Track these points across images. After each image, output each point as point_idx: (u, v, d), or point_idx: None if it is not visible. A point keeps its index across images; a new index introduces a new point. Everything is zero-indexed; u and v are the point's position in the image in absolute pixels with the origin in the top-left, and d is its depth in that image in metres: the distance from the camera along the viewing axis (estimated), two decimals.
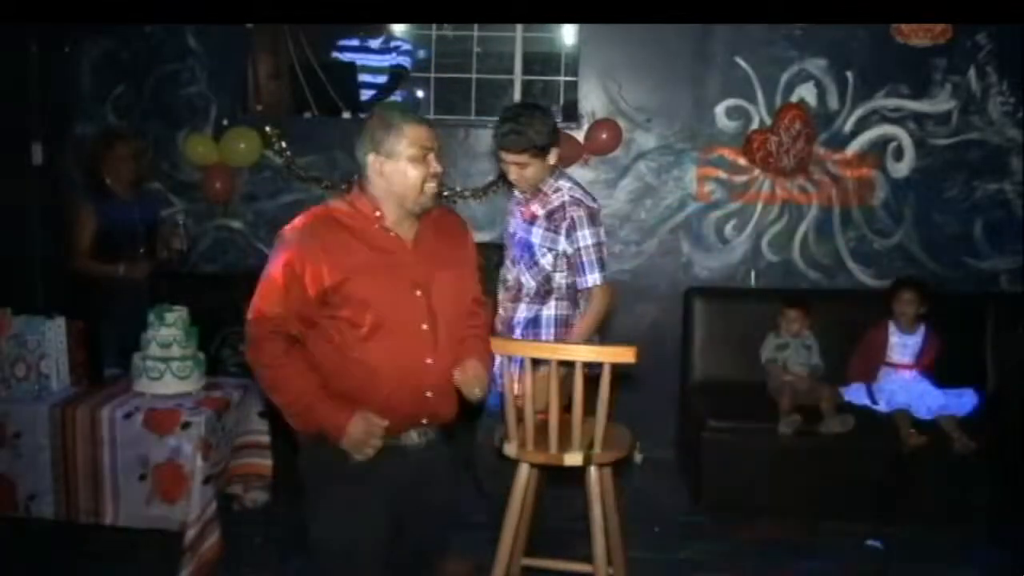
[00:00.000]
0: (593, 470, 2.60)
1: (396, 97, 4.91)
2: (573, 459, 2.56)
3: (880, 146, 4.29)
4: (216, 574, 2.98)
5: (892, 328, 3.94)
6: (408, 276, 2.11)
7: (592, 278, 2.91)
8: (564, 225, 2.87)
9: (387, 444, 2.11)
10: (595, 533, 2.62)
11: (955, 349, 3.99)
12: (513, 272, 3.01)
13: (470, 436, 3.03)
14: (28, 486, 2.96)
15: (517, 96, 5.03)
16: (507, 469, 2.66)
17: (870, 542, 3.57)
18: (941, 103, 4.25)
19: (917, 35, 4.18)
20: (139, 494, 2.92)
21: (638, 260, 4.41)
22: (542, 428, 2.57)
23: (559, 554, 2.91)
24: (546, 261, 2.91)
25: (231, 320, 3.98)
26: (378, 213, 2.13)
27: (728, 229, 4.38)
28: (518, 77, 4.95)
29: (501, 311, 3.03)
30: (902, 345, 3.92)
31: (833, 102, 4.28)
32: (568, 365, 2.57)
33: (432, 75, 5.35)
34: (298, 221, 2.13)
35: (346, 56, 4.80)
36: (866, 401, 3.86)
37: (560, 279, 2.94)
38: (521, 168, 2.84)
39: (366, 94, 4.77)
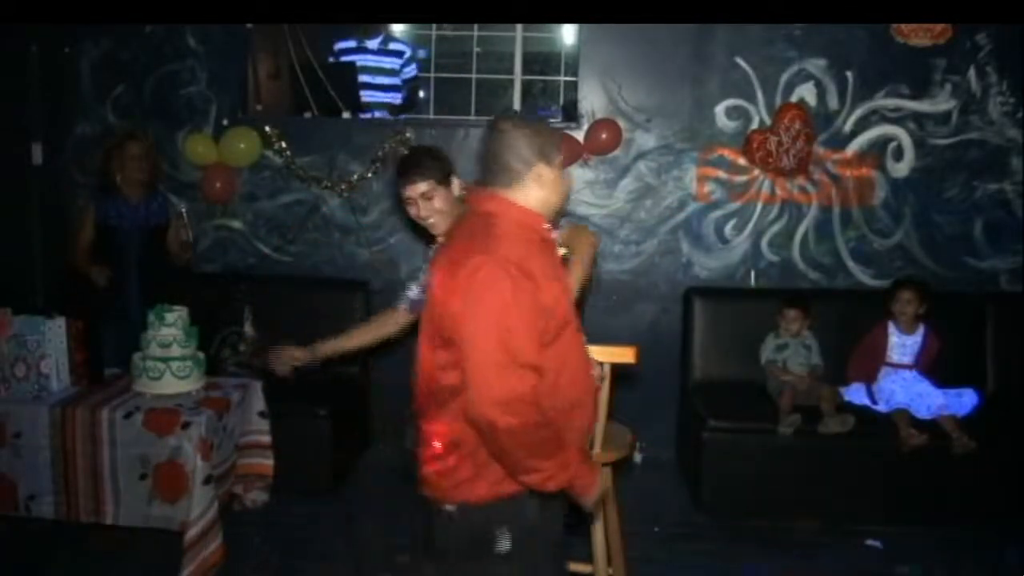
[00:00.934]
0: None
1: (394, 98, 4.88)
2: None
3: (880, 146, 4.30)
4: (215, 574, 2.98)
5: (892, 328, 3.94)
6: None
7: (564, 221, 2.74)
8: None
9: None
10: (595, 533, 2.62)
11: (955, 349, 3.99)
12: None
13: None
14: (28, 486, 2.96)
15: (517, 96, 5.03)
16: None
17: (870, 542, 3.57)
18: (941, 103, 4.25)
19: (917, 35, 4.18)
20: (139, 494, 2.92)
21: (638, 260, 4.42)
22: None
23: None
24: None
25: (231, 320, 4.00)
26: (547, 225, 1.95)
27: (728, 229, 4.38)
28: (518, 77, 4.95)
29: None
30: (902, 345, 3.92)
31: (833, 102, 4.28)
32: None
33: (432, 75, 5.35)
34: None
35: (349, 57, 4.79)
36: (866, 401, 3.86)
37: None
38: (428, 200, 2.68)
39: (369, 95, 4.76)
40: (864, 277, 4.36)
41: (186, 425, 2.91)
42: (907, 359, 3.91)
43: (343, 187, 4.41)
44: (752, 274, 4.39)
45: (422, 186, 2.70)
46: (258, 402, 3.38)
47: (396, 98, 4.88)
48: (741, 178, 4.34)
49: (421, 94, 5.34)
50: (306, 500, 3.73)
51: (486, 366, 1.75)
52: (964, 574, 3.40)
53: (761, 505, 3.76)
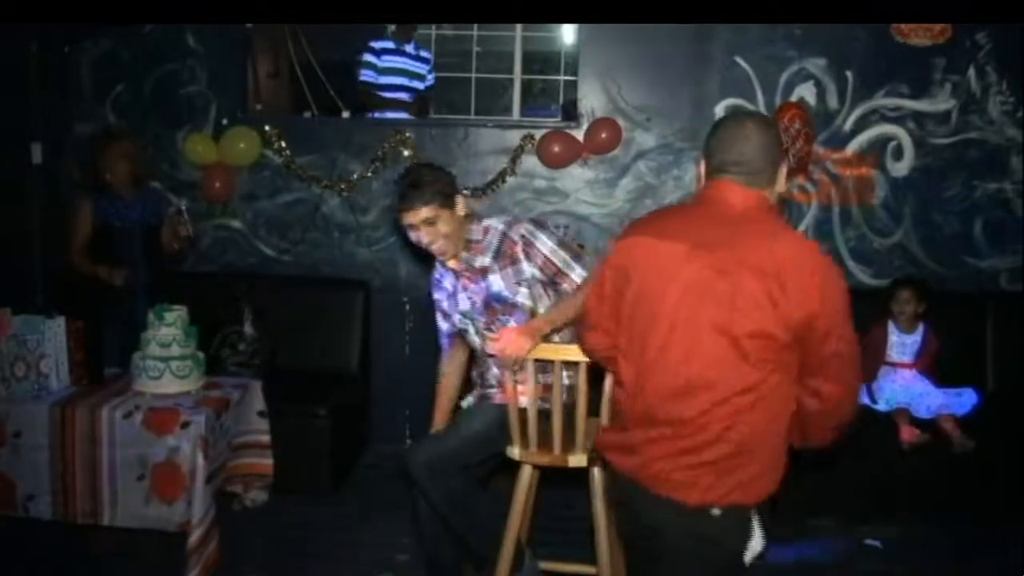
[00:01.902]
0: (596, 470, 2.60)
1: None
2: (578, 460, 2.56)
3: (880, 145, 4.30)
4: (215, 574, 2.98)
5: (891, 327, 3.94)
6: None
7: (577, 273, 2.64)
8: (518, 249, 2.64)
9: None
10: (599, 533, 2.62)
11: (955, 349, 3.99)
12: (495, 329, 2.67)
13: None
14: (27, 486, 2.96)
15: (517, 96, 5.04)
16: None
17: (870, 542, 3.57)
18: (941, 103, 4.25)
19: (917, 35, 4.18)
20: (137, 494, 2.92)
21: None
22: (545, 429, 2.56)
23: (546, 555, 2.90)
24: (523, 297, 2.66)
25: (231, 320, 4.00)
26: None
27: None
28: (518, 77, 4.97)
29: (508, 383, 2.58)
30: (901, 344, 3.92)
31: (833, 101, 4.28)
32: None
33: (432, 75, 5.36)
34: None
35: (389, 57, 4.74)
36: (865, 400, 3.86)
37: (543, 306, 2.67)
38: (432, 226, 2.55)
39: (392, 95, 4.75)
40: (864, 277, 4.36)
41: (185, 425, 2.91)
42: (907, 358, 3.91)
43: (343, 187, 4.41)
44: None
45: (424, 212, 2.54)
46: (257, 402, 3.38)
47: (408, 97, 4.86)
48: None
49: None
50: (306, 500, 3.73)
51: (854, 357, 1.86)
52: (964, 574, 3.40)
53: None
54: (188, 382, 3.13)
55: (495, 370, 2.76)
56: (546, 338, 2.55)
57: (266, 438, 3.38)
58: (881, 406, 3.81)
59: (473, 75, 5.31)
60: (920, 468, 3.64)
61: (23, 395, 3.03)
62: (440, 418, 2.93)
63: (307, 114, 4.68)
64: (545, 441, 2.57)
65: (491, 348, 2.54)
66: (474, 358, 2.90)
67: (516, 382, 2.53)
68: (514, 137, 4.35)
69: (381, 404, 4.48)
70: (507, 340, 2.48)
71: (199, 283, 4.33)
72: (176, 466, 2.90)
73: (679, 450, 1.84)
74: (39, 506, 2.96)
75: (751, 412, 1.82)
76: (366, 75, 4.75)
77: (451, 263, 2.72)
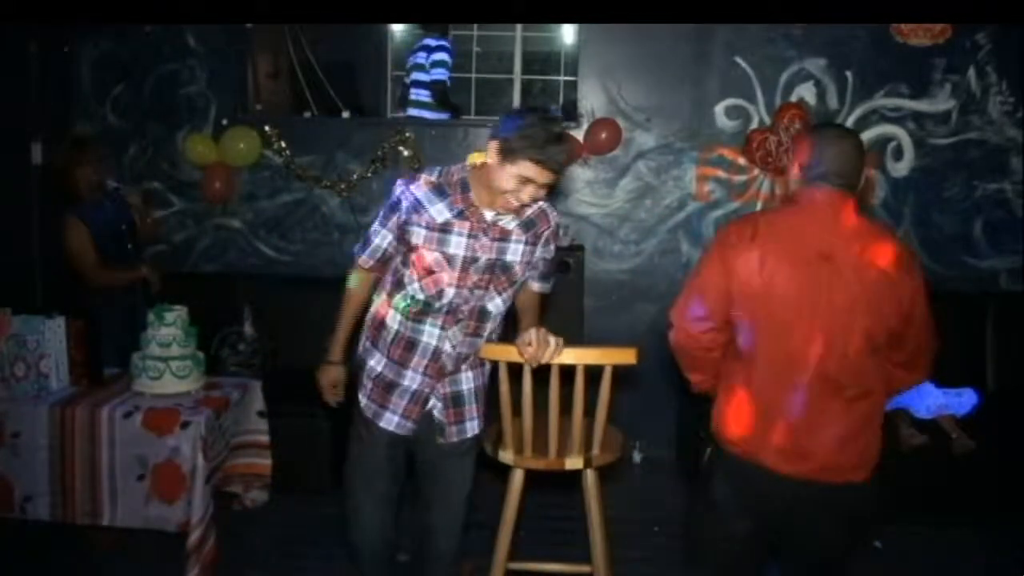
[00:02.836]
0: (590, 473, 2.60)
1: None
2: (574, 463, 2.55)
3: (880, 146, 4.30)
4: (215, 574, 2.98)
5: None
6: None
7: (548, 286, 2.64)
8: (546, 232, 2.51)
9: None
10: (594, 535, 2.62)
11: (955, 349, 3.98)
12: (471, 300, 2.46)
13: None
14: (25, 487, 2.95)
15: (517, 96, 5.04)
16: None
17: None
18: (941, 103, 4.25)
19: (917, 35, 4.18)
20: (137, 494, 2.92)
21: (638, 260, 4.42)
22: (540, 433, 2.55)
23: (539, 555, 2.91)
24: (521, 276, 2.51)
25: (231, 320, 4.00)
26: None
27: None
28: (518, 77, 4.97)
29: (450, 348, 2.50)
30: None
31: (833, 102, 4.28)
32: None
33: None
34: None
35: (439, 55, 4.73)
36: None
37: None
38: (542, 190, 2.33)
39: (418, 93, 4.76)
40: None
41: (185, 425, 2.91)
42: None
43: (343, 187, 4.41)
44: None
45: (552, 179, 2.33)
46: (257, 402, 3.38)
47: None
48: (741, 178, 4.34)
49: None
50: (306, 500, 3.73)
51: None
52: (964, 574, 3.40)
53: None
54: (188, 382, 3.13)
55: (468, 376, 2.57)
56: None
57: (265, 438, 3.38)
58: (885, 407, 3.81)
59: (473, 75, 5.31)
60: (920, 468, 3.64)
61: (23, 395, 3.03)
62: (339, 351, 2.74)
63: (307, 114, 4.68)
64: (539, 445, 2.55)
65: (535, 354, 2.35)
66: (404, 342, 2.51)
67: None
68: None
69: None
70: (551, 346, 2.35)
71: (199, 283, 4.34)
72: (176, 466, 2.90)
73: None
74: (37, 507, 2.96)
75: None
76: (438, 73, 4.72)
77: (485, 210, 2.41)
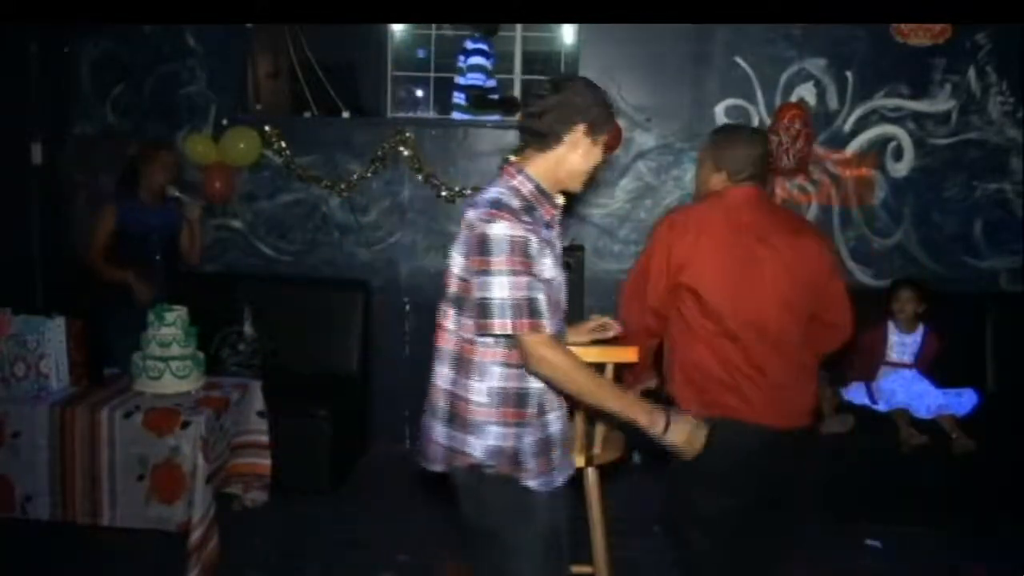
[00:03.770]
0: (591, 472, 2.60)
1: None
2: (575, 461, 2.55)
3: (880, 146, 4.30)
4: (215, 574, 2.98)
5: (891, 328, 3.94)
6: None
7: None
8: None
9: None
10: (595, 534, 2.63)
11: (955, 349, 3.98)
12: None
13: None
14: (25, 487, 2.96)
15: (517, 96, 5.02)
16: None
17: (870, 542, 3.57)
18: (941, 103, 4.25)
19: (917, 35, 4.18)
20: (137, 494, 2.92)
21: None
22: None
23: None
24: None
25: (231, 320, 4.00)
26: None
27: None
28: (518, 77, 4.96)
29: None
30: (901, 344, 3.92)
31: (833, 102, 4.28)
32: None
33: (432, 75, 5.36)
34: None
35: (476, 58, 4.71)
36: (865, 400, 3.86)
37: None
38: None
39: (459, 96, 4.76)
40: (864, 277, 4.36)
41: (185, 425, 2.91)
42: (906, 358, 3.91)
43: (343, 187, 4.41)
44: None
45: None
46: (257, 402, 3.38)
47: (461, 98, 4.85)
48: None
49: (420, 94, 5.33)
50: (306, 500, 3.73)
51: None
52: (964, 574, 3.40)
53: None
54: (188, 382, 3.13)
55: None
56: None
57: (265, 438, 3.37)
58: (881, 406, 3.81)
59: None
60: (920, 468, 3.64)
61: (23, 395, 3.03)
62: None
63: (307, 114, 4.68)
64: None
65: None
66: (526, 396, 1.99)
67: None
68: (514, 137, 4.34)
69: (381, 404, 4.48)
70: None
71: (199, 283, 4.33)
72: (176, 466, 2.90)
73: None
74: (37, 507, 2.96)
75: None
76: (475, 78, 4.66)
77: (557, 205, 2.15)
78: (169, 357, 3.10)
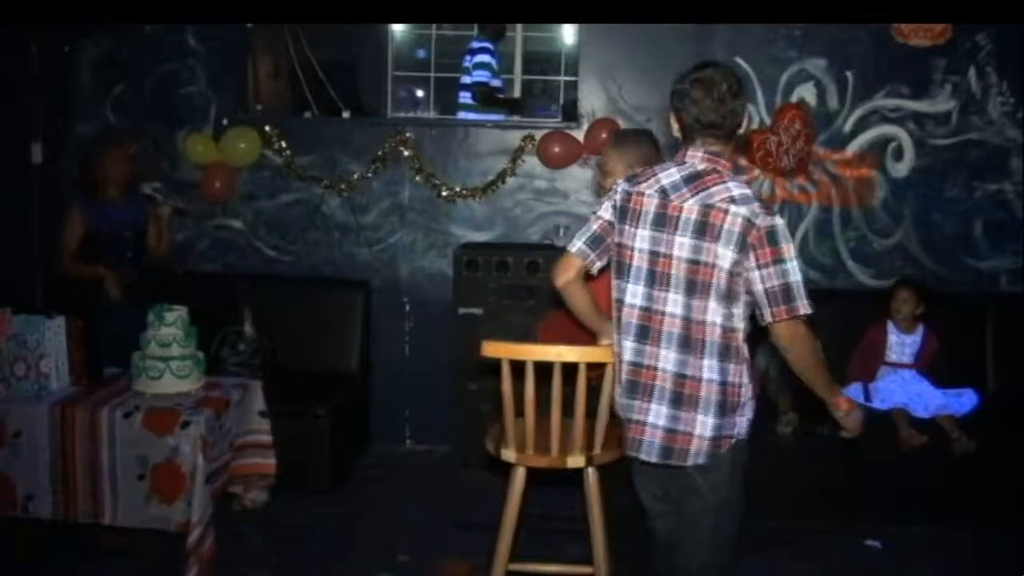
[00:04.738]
0: (591, 472, 2.60)
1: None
2: (575, 461, 2.56)
3: (880, 146, 4.30)
4: (215, 574, 2.98)
5: (891, 328, 3.94)
6: None
7: None
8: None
9: None
10: (595, 533, 2.62)
11: (955, 349, 3.98)
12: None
13: None
14: (27, 486, 2.96)
15: (517, 96, 5.03)
16: None
17: (870, 542, 3.57)
18: (941, 103, 4.25)
19: (917, 35, 4.18)
20: (138, 494, 2.92)
21: None
22: (541, 431, 2.55)
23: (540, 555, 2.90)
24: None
25: (231, 320, 4.00)
26: None
27: None
28: (518, 77, 4.98)
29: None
30: (901, 345, 3.92)
31: (833, 102, 4.28)
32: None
33: (432, 75, 5.37)
34: None
35: (481, 56, 4.72)
36: (861, 399, 3.86)
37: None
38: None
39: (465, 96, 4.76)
40: (864, 277, 4.36)
41: (186, 425, 2.91)
42: (906, 359, 3.91)
43: (343, 187, 4.41)
44: None
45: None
46: (258, 402, 3.38)
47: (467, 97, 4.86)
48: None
49: (420, 94, 5.33)
50: (306, 500, 3.72)
51: None
52: (964, 574, 3.40)
53: (760, 505, 3.73)
54: (188, 382, 3.13)
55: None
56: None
57: (267, 438, 3.38)
58: (876, 403, 3.81)
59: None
60: (920, 468, 3.64)
61: (23, 395, 3.03)
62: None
63: (307, 114, 4.68)
64: (541, 443, 2.56)
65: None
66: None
67: None
68: (514, 137, 4.35)
69: (381, 404, 4.48)
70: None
71: (199, 283, 4.33)
72: (176, 466, 2.90)
73: None
74: (39, 506, 2.96)
75: None
76: (481, 76, 4.69)
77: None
78: (169, 357, 3.10)
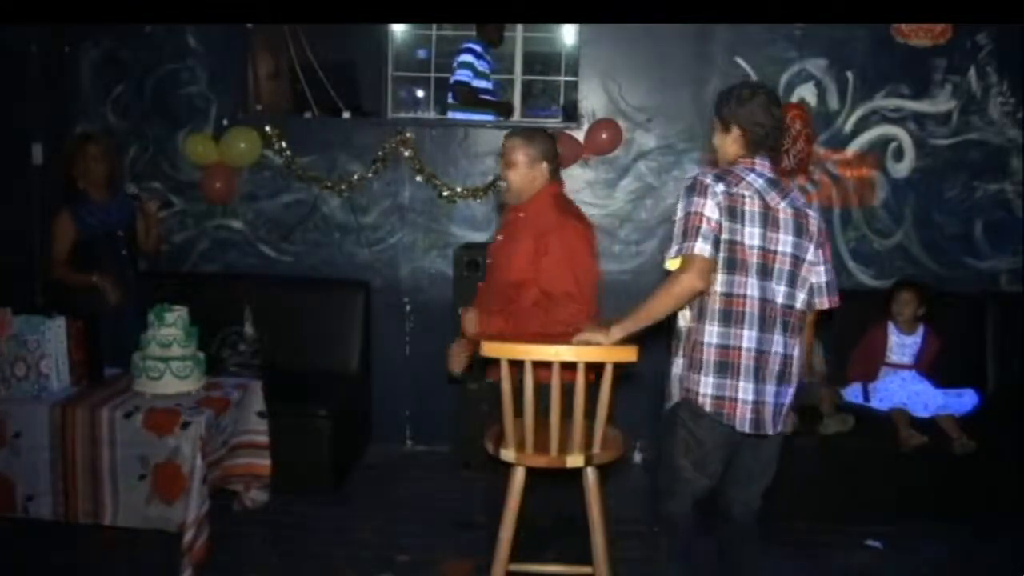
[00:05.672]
0: (591, 471, 2.60)
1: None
2: (575, 461, 2.55)
3: (880, 146, 4.30)
4: (215, 574, 2.98)
5: (891, 328, 3.94)
6: None
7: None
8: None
9: None
10: (594, 534, 2.62)
11: (955, 349, 3.99)
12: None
13: None
14: (27, 486, 2.96)
15: (517, 96, 5.03)
16: None
17: (870, 542, 3.57)
18: (941, 103, 4.25)
19: (917, 35, 4.18)
20: (138, 494, 2.92)
21: (638, 260, 4.41)
22: (540, 431, 2.55)
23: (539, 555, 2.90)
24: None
25: (231, 320, 4.00)
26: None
27: None
28: (518, 77, 4.97)
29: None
30: (901, 345, 3.92)
31: (833, 102, 4.28)
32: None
33: (432, 75, 5.36)
34: None
35: (465, 56, 4.73)
36: (860, 400, 3.86)
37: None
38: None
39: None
40: (864, 277, 4.36)
41: (186, 425, 2.91)
42: (906, 359, 3.91)
43: (343, 187, 4.41)
44: None
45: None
46: (257, 402, 3.38)
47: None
48: None
49: (421, 94, 5.32)
50: (306, 500, 3.73)
51: None
52: (964, 574, 3.40)
53: (760, 505, 3.74)
54: (188, 382, 3.13)
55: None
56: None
57: (264, 438, 3.38)
58: (875, 403, 3.81)
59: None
60: (920, 468, 3.64)
61: (23, 395, 3.04)
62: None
63: (307, 114, 4.68)
64: (540, 443, 2.55)
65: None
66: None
67: None
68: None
69: (381, 404, 4.48)
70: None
71: (199, 283, 4.34)
72: (176, 466, 2.90)
73: None
74: (39, 506, 2.97)
75: None
76: (462, 75, 4.70)
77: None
78: (169, 357, 3.10)
